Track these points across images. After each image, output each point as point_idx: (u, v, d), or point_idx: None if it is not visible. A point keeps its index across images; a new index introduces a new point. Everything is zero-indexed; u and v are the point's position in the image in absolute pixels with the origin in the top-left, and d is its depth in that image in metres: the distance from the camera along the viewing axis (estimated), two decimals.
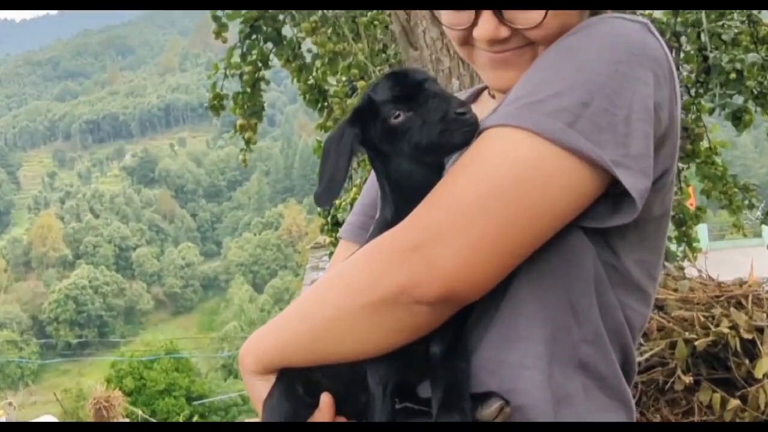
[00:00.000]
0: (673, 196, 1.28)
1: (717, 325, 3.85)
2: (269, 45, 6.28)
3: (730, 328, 3.79)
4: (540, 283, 1.15)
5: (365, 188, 1.58)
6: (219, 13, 6.11)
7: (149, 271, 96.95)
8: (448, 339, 1.14)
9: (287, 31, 6.25)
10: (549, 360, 1.14)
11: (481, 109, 1.42)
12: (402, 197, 1.18)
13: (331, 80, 6.67)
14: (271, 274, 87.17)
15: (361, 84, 5.84)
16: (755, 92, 7.08)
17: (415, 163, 1.16)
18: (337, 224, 7.19)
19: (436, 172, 1.17)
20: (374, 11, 6.32)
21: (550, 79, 1.15)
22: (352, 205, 6.90)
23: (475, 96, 1.56)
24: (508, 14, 1.23)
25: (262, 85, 6.37)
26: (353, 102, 5.91)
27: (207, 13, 6.39)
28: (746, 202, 7.29)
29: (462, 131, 1.10)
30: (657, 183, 1.18)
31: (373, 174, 1.53)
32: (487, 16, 1.23)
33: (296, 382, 1.19)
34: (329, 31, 6.07)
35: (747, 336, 3.88)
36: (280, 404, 1.18)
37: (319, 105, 6.46)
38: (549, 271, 1.15)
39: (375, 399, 1.13)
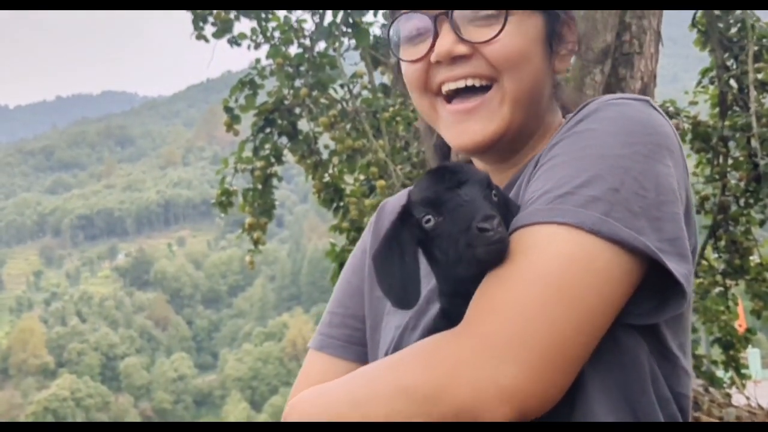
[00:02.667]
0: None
1: None
2: (283, 139, 6.47)
3: None
4: (602, 390, 1.18)
5: (344, 296, 1.63)
6: (231, 104, 6.32)
7: (137, 384, 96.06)
8: None
9: (303, 125, 6.45)
10: None
11: None
12: (453, 292, 1.24)
13: (348, 179, 6.82)
14: (271, 390, 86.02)
15: (380, 183, 5.97)
16: None
17: (455, 268, 1.19)
18: None
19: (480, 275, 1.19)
20: (397, 107, 6.52)
21: (574, 168, 1.21)
22: None
23: None
24: (466, 32, 1.34)
25: (274, 182, 6.52)
26: (372, 202, 6.02)
27: (216, 104, 6.62)
28: None
29: (485, 248, 1.11)
30: None
31: (347, 279, 1.63)
32: (444, 32, 1.34)
33: None
34: (348, 126, 6.25)
35: None
36: None
37: (334, 205, 6.59)
38: (608, 376, 1.19)
39: None
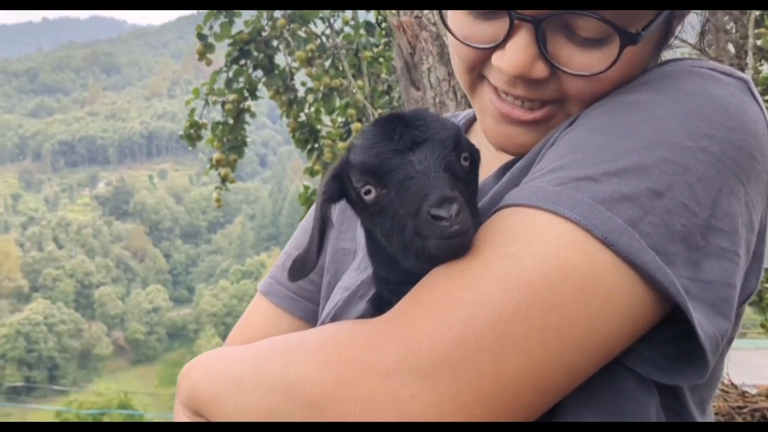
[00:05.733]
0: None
1: None
2: (259, 73, 6.16)
3: None
4: None
5: (305, 239, 1.36)
6: (206, 31, 5.99)
7: (111, 313, 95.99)
8: None
9: (280, 59, 6.13)
10: None
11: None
12: (395, 280, 0.98)
13: (326, 120, 6.53)
14: None
15: (357, 126, 5.68)
16: None
17: (400, 257, 0.91)
18: None
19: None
20: (381, 47, 6.20)
21: (610, 147, 0.88)
22: None
23: (469, 125, 1.29)
24: (553, 48, 0.97)
25: (247, 117, 6.23)
26: (345, 145, 5.75)
27: None
28: None
29: (437, 242, 0.81)
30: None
31: (305, 228, 1.41)
32: (525, 41, 0.97)
33: None
34: (327, 63, 5.93)
35: None
36: None
37: (309, 146, 6.30)
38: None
39: None
